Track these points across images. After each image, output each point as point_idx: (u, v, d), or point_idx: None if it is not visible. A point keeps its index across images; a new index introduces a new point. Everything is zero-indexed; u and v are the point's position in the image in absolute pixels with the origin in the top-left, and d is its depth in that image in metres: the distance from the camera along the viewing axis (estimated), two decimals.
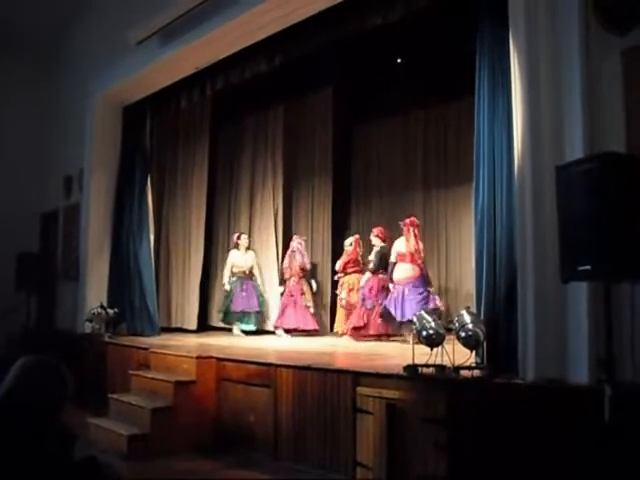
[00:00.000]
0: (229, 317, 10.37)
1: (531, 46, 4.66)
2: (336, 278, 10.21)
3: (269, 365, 6.12)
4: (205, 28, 7.66)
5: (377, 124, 11.86)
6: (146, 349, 7.69)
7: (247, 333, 10.22)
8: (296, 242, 10.34)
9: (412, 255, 8.76)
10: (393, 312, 8.48)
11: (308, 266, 10.33)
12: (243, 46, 7.81)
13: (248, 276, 10.46)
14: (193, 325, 10.56)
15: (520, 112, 4.69)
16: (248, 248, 10.65)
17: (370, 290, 9.01)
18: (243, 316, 10.29)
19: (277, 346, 8.50)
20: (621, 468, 3.37)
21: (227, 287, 10.31)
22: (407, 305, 8.38)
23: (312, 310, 10.13)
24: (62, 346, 9.14)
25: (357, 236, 10.26)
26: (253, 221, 11.30)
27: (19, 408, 2.22)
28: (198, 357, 6.73)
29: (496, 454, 4.28)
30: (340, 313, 10.02)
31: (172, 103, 9.54)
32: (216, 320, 11.07)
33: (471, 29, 5.65)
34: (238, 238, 10.53)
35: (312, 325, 10.02)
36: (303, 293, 10.16)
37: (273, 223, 10.97)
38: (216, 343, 8.73)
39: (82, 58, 10.80)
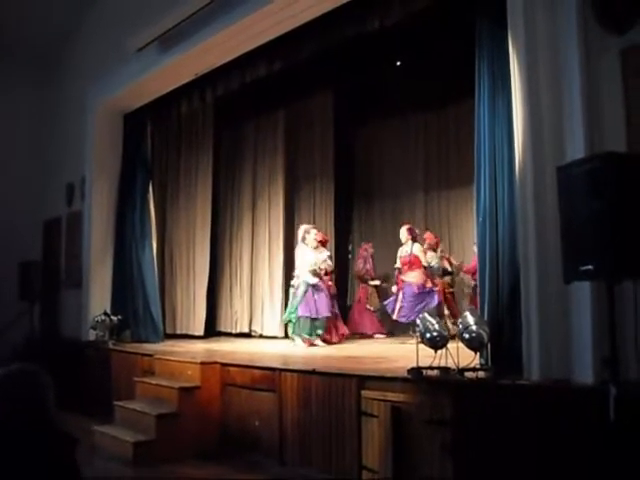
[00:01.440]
0: (295, 325, 8.94)
1: (530, 46, 4.67)
2: None
3: (273, 370, 6.12)
4: (204, 34, 7.67)
5: (377, 127, 11.87)
6: (150, 355, 7.70)
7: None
8: (366, 248, 10.59)
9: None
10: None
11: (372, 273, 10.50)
12: (242, 52, 7.82)
13: (318, 275, 9.09)
14: (200, 331, 10.54)
15: (520, 113, 4.69)
16: (323, 244, 9.37)
17: None
18: (312, 323, 8.81)
19: (281, 350, 8.49)
20: (627, 468, 3.36)
21: (312, 281, 8.80)
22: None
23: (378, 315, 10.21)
24: (66, 354, 9.16)
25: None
26: (255, 226, 11.31)
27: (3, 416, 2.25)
28: (202, 363, 6.73)
29: (502, 455, 4.27)
30: None
31: (172, 110, 9.57)
32: (226, 325, 11.17)
33: (470, 30, 5.65)
34: (306, 232, 9.22)
35: (380, 329, 10.12)
36: (368, 298, 10.24)
37: (276, 227, 10.97)
38: (220, 348, 8.74)
39: (82, 66, 10.81)
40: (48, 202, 11.53)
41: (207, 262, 10.89)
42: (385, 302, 9.62)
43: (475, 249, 10.18)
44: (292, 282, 9.33)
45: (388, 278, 10.73)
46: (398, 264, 9.45)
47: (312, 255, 9.02)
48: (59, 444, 2.30)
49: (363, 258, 10.70)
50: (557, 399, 4.21)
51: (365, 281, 10.57)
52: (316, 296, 8.83)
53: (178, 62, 8.28)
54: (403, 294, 9.08)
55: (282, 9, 6.84)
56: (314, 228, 9.30)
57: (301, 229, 9.30)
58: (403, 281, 9.20)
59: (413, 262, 9.20)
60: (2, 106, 11.37)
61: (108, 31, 9.87)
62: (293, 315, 8.93)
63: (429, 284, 9.18)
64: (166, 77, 8.76)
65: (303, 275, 8.90)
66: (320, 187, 11.25)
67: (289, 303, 9.25)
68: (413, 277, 9.12)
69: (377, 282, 10.69)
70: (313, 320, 8.75)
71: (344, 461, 5.28)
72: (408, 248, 9.34)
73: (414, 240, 9.44)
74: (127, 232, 9.76)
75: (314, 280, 8.81)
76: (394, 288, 9.69)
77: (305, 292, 8.81)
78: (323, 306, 8.83)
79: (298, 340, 8.75)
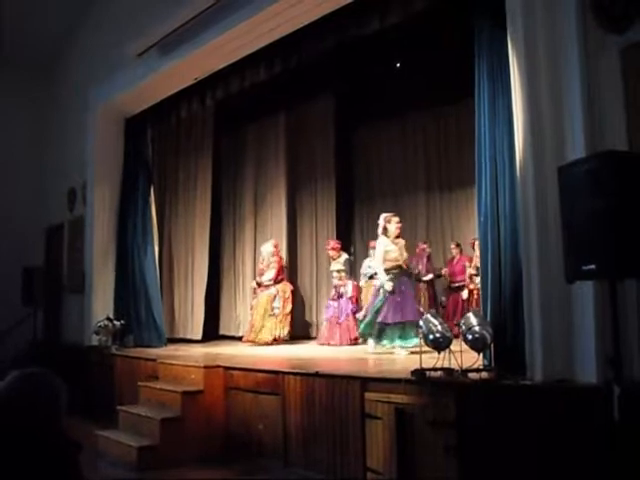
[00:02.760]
0: (369, 329, 7.83)
1: (530, 46, 4.67)
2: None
3: (277, 373, 6.12)
4: (204, 38, 7.68)
5: (378, 128, 11.88)
6: (154, 360, 7.70)
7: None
8: (423, 248, 10.57)
9: None
10: None
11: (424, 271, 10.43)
12: (242, 55, 7.83)
13: (404, 272, 7.98)
14: (198, 335, 10.55)
15: (520, 113, 4.69)
16: (398, 237, 8.13)
17: None
18: (395, 329, 7.59)
19: (283, 353, 8.48)
20: (631, 467, 3.36)
21: (388, 286, 7.57)
22: None
23: None
24: (69, 359, 9.16)
25: None
26: (258, 229, 11.33)
27: (11, 421, 2.23)
28: (205, 367, 6.74)
29: (506, 456, 4.27)
30: None
31: (173, 114, 9.58)
32: (228, 329, 11.18)
33: (469, 31, 5.66)
34: (387, 221, 8.09)
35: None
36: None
37: (279, 230, 10.98)
38: (223, 352, 8.73)
39: (83, 71, 10.83)
40: (50, 208, 11.55)
41: (206, 266, 10.90)
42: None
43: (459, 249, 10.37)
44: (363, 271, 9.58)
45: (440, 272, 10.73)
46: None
47: (394, 249, 7.93)
48: (64, 450, 2.30)
49: (418, 257, 10.63)
50: (561, 399, 4.20)
51: (418, 280, 10.46)
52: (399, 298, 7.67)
53: (178, 66, 8.29)
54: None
55: (281, 12, 6.84)
56: (395, 216, 8.18)
57: (381, 218, 8.18)
58: None
59: None
60: (3, 111, 11.40)
61: (108, 36, 9.88)
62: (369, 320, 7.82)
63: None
64: (166, 81, 8.77)
65: (382, 276, 7.75)
66: (321, 190, 11.26)
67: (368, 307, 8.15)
68: None
69: (430, 276, 10.58)
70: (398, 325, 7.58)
71: (348, 463, 5.27)
72: None
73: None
74: (129, 237, 9.77)
75: (389, 286, 7.57)
76: None
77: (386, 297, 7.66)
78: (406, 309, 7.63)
79: (378, 347, 7.74)
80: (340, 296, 9.72)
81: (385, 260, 7.78)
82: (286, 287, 10.14)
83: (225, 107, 10.36)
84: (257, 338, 9.63)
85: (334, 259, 10.05)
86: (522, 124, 4.67)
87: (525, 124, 4.64)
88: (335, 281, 9.90)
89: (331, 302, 9.75)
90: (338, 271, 9.91)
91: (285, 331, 9.89)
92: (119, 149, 10.11)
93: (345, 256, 10.10)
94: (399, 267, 7.83)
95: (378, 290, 7.82)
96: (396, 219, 8.07)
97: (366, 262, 9.85)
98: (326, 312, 9.80)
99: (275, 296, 9.93)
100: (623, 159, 3.50)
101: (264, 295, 9.95)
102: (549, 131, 4.53)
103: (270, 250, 10.17)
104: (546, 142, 4.54)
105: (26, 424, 2.23)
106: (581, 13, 4.42)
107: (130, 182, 9.95)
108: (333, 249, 10.09)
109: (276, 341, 9.68)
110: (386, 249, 7.83)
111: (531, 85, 4.63)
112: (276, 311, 9.80)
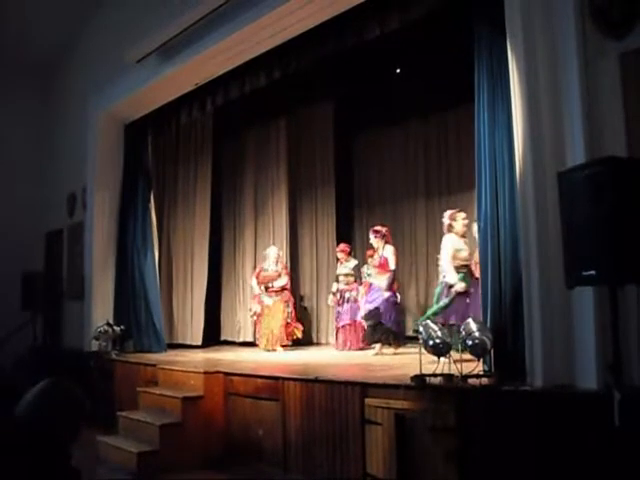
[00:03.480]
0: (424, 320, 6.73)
1: (529, 52, 4.68)
2: None
3: (276, 378, 6.12)
4: (204, 44, 7.69)
5: (378, 134, 11.87)
6: (153, 365, 7.70)
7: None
8: None
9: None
10: None
11: None
12: (242, 61, 7.85)
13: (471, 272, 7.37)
14: (198, 341, 10.53)
15: (520, 118, 4.70)
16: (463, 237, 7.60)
17: None
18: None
19: (283, 359, 8.48)
20: (632, 473, 3.36)
21: (460, 287, 7.08)
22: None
23: None
24: (69, 365, 9.15)
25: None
26: (258, 234, 11.32)
27: (36, 432, 2.22)
28: (205, 372, 6.74)
29: (506, 462, 4.27)
30: None
31: (173, 119, 9.59)
32: (229, 335, 11.15)
33: (469, 37, 5.67)
34: (452, 219, 7.57)
35: None
36: None
37: (279, 236, 10.98)
38: (223, 358, 8.73)
39: (83, 77, 10.85)
40: (50, 213, 11.55)
41: (205, 272, 10.88)
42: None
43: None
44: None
45: None
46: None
47: (464, 247, 7.45)
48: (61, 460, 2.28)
49: None
50: (561, 405, 4.20)
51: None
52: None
53: (178, 72, 8.31)
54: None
55: (281, 18, 6.86)
56: (460, 212, 7.68)
57: (445, 216, 7.74)
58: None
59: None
60: (3, 117, 11.41)
61: (108, 42, 9.90)
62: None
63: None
64: (166, 87, 8.78)
65: (452, 275, 7.19)
66: (322, 195, 11.26)
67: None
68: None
69: None
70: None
71: (348, 469, 5.27)
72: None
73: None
74: (129, 242, 9.78)
75: (460, 286, 7.08)
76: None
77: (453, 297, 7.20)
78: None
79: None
80: (346, 300, 9.68)
81: (455, 258, 7.26)
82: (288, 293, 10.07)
83: (225, 113, 10.37)
84: (275, 345, 9.50)
85: (342, 263, 9.97)
86: (522, 129, 4.68)
87: (525, 129, 4.65)
88: (341, 285, 9.81)
89: (339, 307, 9.68)
90: (346, 275, 9.85)
91: (299, 333, 9.90)
92: (119, 155, 10.12)
93: (354, 261, 9.98)
94: (467, 267, 7.34)
95: (449, 289, 7.21)
96: (462, 215, 7.55)
97: (364, 268, 9.81)
98: (340, 318, 9.63)
99: (287, 302, 9.86)
100: (622, 165, 3.50)
101: (277, 301, 9.82)
102: (549, 137, 4.54)
103: (277, 254, 10.09)
104: (546, 148, 4.54)
105: (48, 435, 2.23)
106: (580, 19, 4.43)
107: (130, 188, 9.96)
108: (342, 251, 9.98)
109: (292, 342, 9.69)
110: (456, 247, 7.34)
111: (530, 90, 4.63)
112: (288, 318, 9.75)
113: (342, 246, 10.13)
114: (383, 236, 9.05)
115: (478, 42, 5.52)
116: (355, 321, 9.37)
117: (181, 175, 11.04)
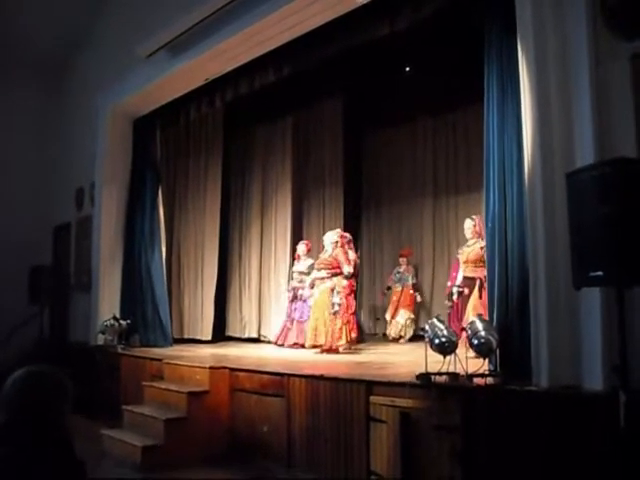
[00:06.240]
0: None
1: (539, 52, 4.66)
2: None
3: (282, 375, 6.12)
4: (213, 40, 7.70)
5: (386, 132, 11.89)
6: (159, 360, 7.71)
7: None
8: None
9: None
10: None
11: None
12: (252, 57, 7.85)
13: None
14: (208, 336, 10.57)
15: (529, 119, 4.69)
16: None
17: None
18: None
19: (289, 356, 8.48)
20: (637, 474, 3.35)
21: None
22: None
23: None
24: (75, 358, 9.19)
25: None
26: (264, 230, 11.33)
27: (18, 417, 2.23)
28: (211, 367, 6.75)
29: (511, 461, 4.26)
30: None
31: (182, 115, 9.62)
32: (235, 330, 11.17)
33: (479, 36, 5.66)
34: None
35: None
36: None
37: (284, 233, 10.99)
38: (229, 353, 8.74)
39: (92, 72, 10.88)
40: (58, 207, 11.58)
41: (215, 267, 10.91)
42: None
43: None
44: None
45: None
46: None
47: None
48: (64, 451, 2.28)
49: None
50: (566, 405, 4.19)
51: None
52: None
53: (188, 68, 8.31)
54: None
55: (291, 15, 6.86)
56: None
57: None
58: None
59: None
60: (12, 111, 11.44)
61: (118, 37, 9.93)
62: None
63: None
64: (176, 83, 8.79)
65: None
66: (329, 192, 11.26)
67: None
68: None
69: None
70: None
71: (352, 467, 5.27)
72: None
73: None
74: (136, 237, 9.80)
75: None
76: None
77: None
78: None
79: None
80: (297, 298, 9.71)
81: None
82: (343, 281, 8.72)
83: (234, 108, 10.38)
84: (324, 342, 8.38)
85: (299, 260, 9.98)
86: (531, 130, 4.66)
87: (534, 130, 4.63)
88: (295, 283, 9.84)
89: (292, 304, 9.74)
90: (300, 273, 9.85)
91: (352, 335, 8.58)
92: (128, 149, 10.14)
93: (310, 260, 9.75)
94: None
95: None
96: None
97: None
98: (293, 314, 9.68)
99: (332, 290, 8.60)
100: (631, 166, 3.49)
101: (321, 290, 8.72)
102: (558, 137, 4.53)
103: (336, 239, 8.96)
104: (555, 148, 4.53)
105: (30, 421, 2.23)
106: (591, 19, 4.42)
107: (138, 182, 9.98)
108: (307, 248, 10.00)
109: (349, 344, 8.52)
110: None
111: (540, 91, 4.62)
112: (336, 307, 8.44)
113: (306, 242, 10.15)
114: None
115: (488, 42, 5.51)
116: (303, 319, 9.34)
117: (190, 170, 11.06)
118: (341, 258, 8.70)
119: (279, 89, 8.95)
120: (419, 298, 10.81)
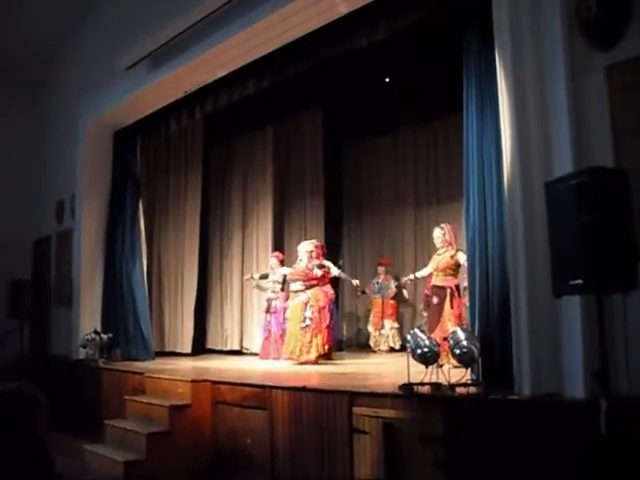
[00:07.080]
0: None
1: (517, 63, 4.70)
2: None
3: (264, 387, 6.09)
4: (193, 52, 7.71)
5: (367, 143, 11.93)
6: (141, 374, 7.66)
7: None
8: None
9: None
10: None
11: None
12: (231, 69, 7.85)
13: None
14: (188, 349, 10.53)
15: (508, 129, 4.72)
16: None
17: None
18: None
19: (271, 368, 8.44)
20: None
21: None
22: None
23: None
24: (56, 373, 9.10)
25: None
26: (246, 242, 11.32)
27: None
28: (193, 381, 6.70)
29: (494, 470, 4.27)
30: None
31: (162, 127, 9.59)
32: (216, 343, 11.14)
33: (457, 47, 5.70)
34: None
35: None
36: None
37: (266, 244, 10.98)
38: (211, 366, 8.70)
39: (72, 83, 10.83)
40: (38, 220, 11.49)
41: (195, 280, 10.86)
42: None
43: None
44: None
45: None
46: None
47: None
48: (40, 466, 2.25)
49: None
50: (548, 413, 4.21)
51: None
52: None
53: (168, 80, 8.31)
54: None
55: (269, 27, 6.88)
56: None
57: None
58: None
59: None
60: None
61: (97, 49, 9.90)
62: None
63: None
64: (156, 94, 8.78)
65: None
66: (310, 203, 11.29)
67: None
68: None
69: None
70: None
71: (336, 478, 5.25)
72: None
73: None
74: (117, 250, 9.74)
75: None
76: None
77: None
78: None
79: None
80: (270, 309, 9.70)
81: None
82: (319, 293, 8.77)
83: (214, 120, 10.38)
84: (296, 355, 8.43)
85: (272, 269, 9.96)
86: (509, 139, 4.69)
87: (512, 139, 4.67)
88: (269, 293, 9.83)
89: (268, 315, 9.70)
90: (274, 282, 9.86)
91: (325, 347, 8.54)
92: (108, 162, 10.09)
93: (284, 270, 9.73)
94: None
95: None
96: None
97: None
98: (270, 326, 9.62)
99: (306, 304, 8.62)
100: (608, 175, 3.53)
101: (295, 303, 8.78)
102: (536, 147, 4.56)
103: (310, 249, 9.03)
104: (533, 157, 4.56)
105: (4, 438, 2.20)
106: (567, 30, 4.47)
107: (119, 195, 9.93)
108: (279, 260, 10.01)
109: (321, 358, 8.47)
110: None
111: (518, 101, 4.65)
112: (307, 322, 8.45)
113: (279, 255, 10.16)
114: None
115: (467, 52, 5.55)
116: (283, 330, 9.23)
117: (171, 183, 11.03)
118: (328, 264, 8.95)
119: (259, 100, 8.98)
120: (406, 294, 10.83)
